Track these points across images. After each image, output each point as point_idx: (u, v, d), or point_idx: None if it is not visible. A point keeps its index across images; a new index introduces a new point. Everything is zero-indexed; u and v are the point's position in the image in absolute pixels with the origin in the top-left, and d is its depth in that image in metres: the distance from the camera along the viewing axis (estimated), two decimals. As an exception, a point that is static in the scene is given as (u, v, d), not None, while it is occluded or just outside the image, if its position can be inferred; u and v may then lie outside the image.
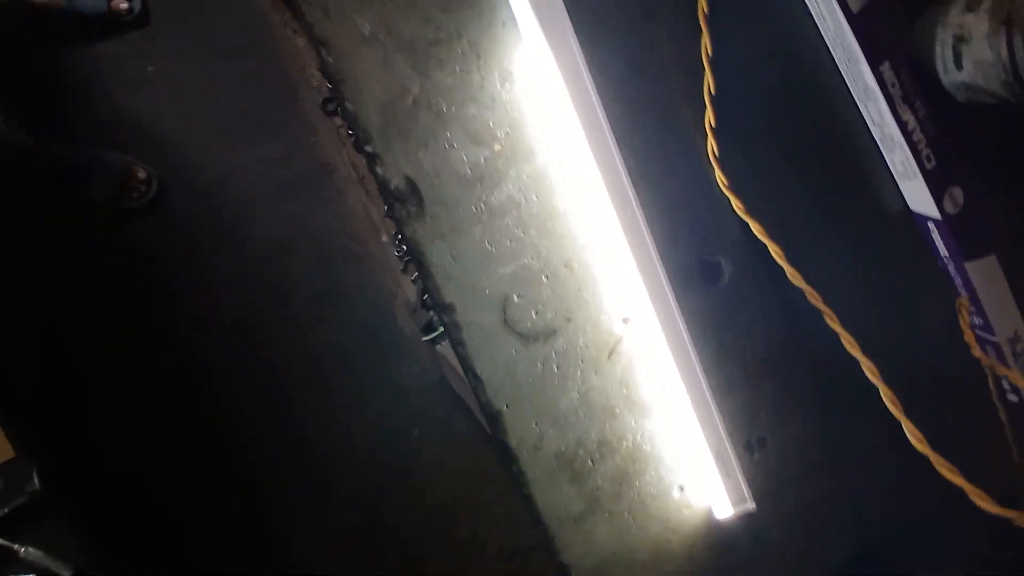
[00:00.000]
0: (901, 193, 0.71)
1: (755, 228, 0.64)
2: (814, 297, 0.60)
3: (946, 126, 0.66)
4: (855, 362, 0.57)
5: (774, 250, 0.61)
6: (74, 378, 1.26)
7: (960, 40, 0.63)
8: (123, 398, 1.29)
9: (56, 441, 1.18)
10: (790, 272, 0.61)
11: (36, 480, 0.80)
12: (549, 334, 0.58)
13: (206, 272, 1.37)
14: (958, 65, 0.64)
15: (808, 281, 0.60)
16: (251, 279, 1.39)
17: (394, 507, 1.32)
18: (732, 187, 0.64)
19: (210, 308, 1.37)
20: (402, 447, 1.35)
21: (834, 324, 0.59)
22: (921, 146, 0.66)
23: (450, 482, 1.31)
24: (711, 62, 0.60)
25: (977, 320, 0.69)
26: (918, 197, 0.70)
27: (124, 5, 1.28)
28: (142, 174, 1.31)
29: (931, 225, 0.70)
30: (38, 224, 1.27)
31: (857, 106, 0.70)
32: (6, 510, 0.78)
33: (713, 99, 0.62)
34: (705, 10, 0.63)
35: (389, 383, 1.37)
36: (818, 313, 0.59)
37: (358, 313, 1.40)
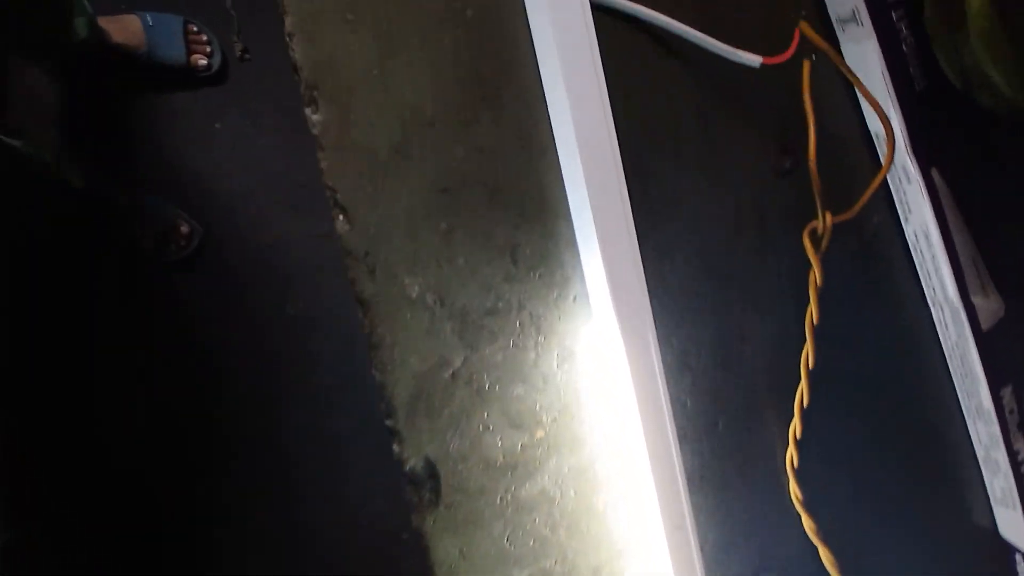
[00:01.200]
0: (993, 513, 0.61)
1: (824, 556, 0.54)
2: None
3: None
4: None
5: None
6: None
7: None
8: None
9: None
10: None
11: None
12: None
13: (228, 338, 1.31)
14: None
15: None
16: (272, 354, 1.33)
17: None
18: (806, 504, 0.55)
19: (222, 377, 1.32)
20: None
21: None
22: (1031, 482, 0.56)
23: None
24: (814, 337, 0.51)
25: None
26: (1013, 527, 0.60)
27: (203, 61, 1.24)
28: (185, 229, 1.26)
29: (1019, 558, 0.59)
30: (74, 263, 1.24)
31: (964, 418, 0.60)
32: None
33: (804, 411, 0.53)
34: (818, 282, 0.53)
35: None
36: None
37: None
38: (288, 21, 0.36)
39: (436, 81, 0.38)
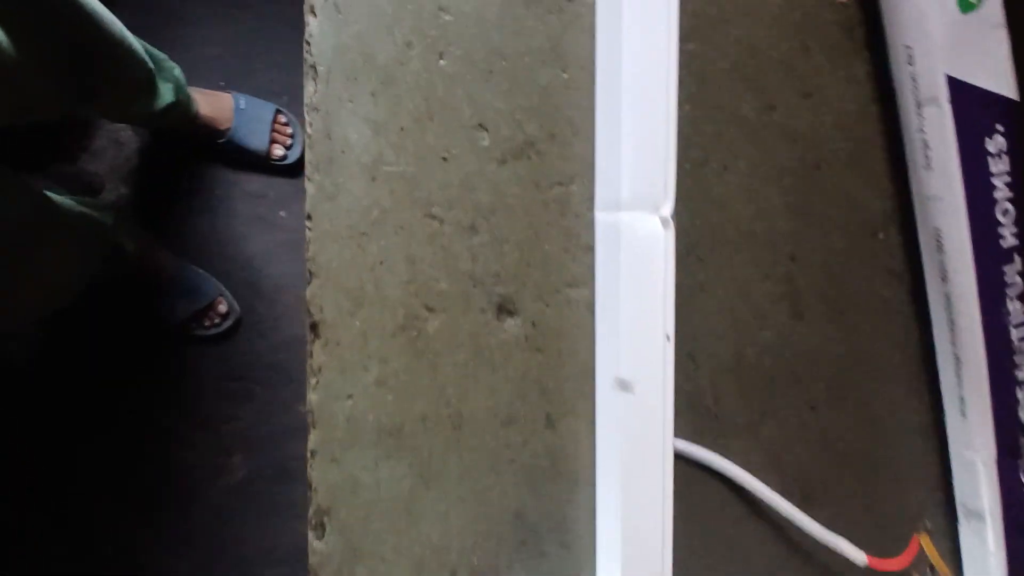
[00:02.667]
0: None
1: None
2: None
3: None
4: None
5: None
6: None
7: None
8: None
9: None
10: None
11: None
12: None
13: (232, 423, 1.26)
14: None
15: None
16: (272, 445, 1.27)
17: None
18: None
19: (218, 465, 1.26)
20: None
21: None
22: None
23: None
24: None
25: None
26: None
27: (280, 152, 1.22)
28: (223, 308, 1.23)
29: None
30: (103, 319, 1.21)
31: None
32: None
33: None
34: None
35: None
36: None
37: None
38: (313, 437, 0.30)
39: (469, 526, 0.32)
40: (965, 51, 0.33)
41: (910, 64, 0.33)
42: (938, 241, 0.34)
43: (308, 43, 0.30)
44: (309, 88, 0.30)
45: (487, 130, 0.32)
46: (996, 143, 0.33)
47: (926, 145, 0.34)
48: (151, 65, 0.91)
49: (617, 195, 0.30)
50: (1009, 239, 0.34)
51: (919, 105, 0.33)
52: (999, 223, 0.34)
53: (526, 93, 0.32)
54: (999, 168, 0.33)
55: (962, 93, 0.33)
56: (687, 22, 0.33)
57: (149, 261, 1.16)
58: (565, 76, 0.32)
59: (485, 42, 0.32)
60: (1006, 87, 0.33)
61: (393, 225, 0.31)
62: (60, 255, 0.83)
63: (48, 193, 0.86)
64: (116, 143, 1.25)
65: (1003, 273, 0.34)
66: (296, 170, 1.25)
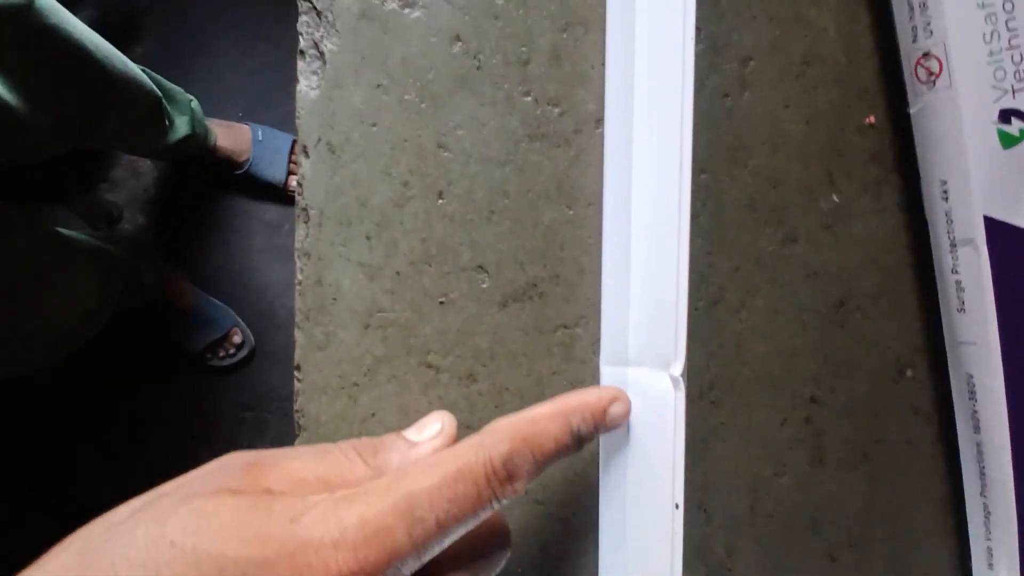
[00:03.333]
0: None
1: None
2: None
3: None
4: None
5: None
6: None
7: None
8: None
9: None
10: None
11: None
12: None
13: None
14: None
15: None
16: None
17: None
18: None
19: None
20: None
21: None
22: None
23: None
24: None
25: None
26: None
27: (296, 183, 1.21)
28: (238, 338, 1.23)
29: None
30: (117, 346, 1.22)
31: None
32: None
33: None
34: None
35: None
36: None
37: None
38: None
39: None
40: (1006, 189, 0.30)
41: (945, 200, 0.31)
42: (971, 389, 0.32)
43: (300, 185, 0.29)
44: (300, 232, 0.29)
45: (487, 272, 0.30)
46: (1037, 284, 0.31)
47: (959, 287, 0.31)
48: (158, 94, 0.91)
49: (624, 350, 0.28)
50: (1048, 384, 0.31)
51: (953, 245, 0.31)
52: (1038, 370, 0.31)
53: (529, 232, 0.30)
54: (1039, 311, 0.31)
55: (1001, 235, 0.30)
56: (701, 152, 0.31)
57: (167, 292, 1.16)
58: (571, 213, 0.30)
59: (487, 180, 0.30)
60: (1049, 223, 0.31)
61: (386, 375, 0.30)
62: (75, 294, 0.83)
63: (64, 231, 0.86)
64: (135, 173, 1.25)
65: (1041, 424, 0.31)
66: (313, 201, 1.25)
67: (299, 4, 0.28)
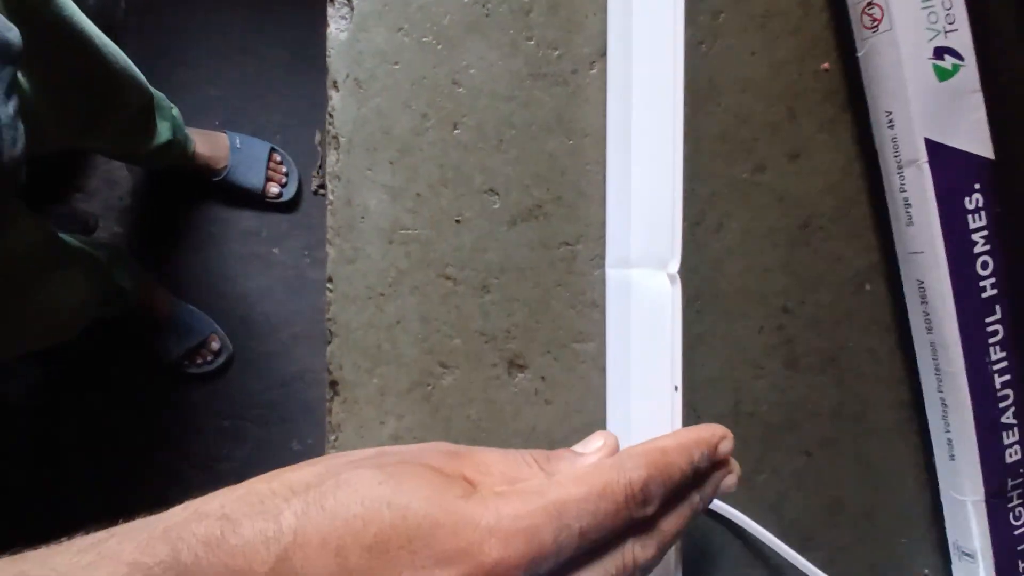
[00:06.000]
0: None
1: None
2: None
3: None
4: None
5: None
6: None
7: None
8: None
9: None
10: None
11: None
12: None
13: (228, 466, 1.26)
14: None
15: None
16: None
17: None
18: None
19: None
20: None
21: None
22: None
23: None
24: None
25: None
26: None
27: (275, 190, 1.24)
28: (216, 345, 1.23)
29: None
30: (95, 354, 1.21)
31: None
32: None
33: None
34: None
35: None
36: None
37: None
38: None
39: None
40: (943, 115, 0.35)
41: (891, 128, 0.36)
42: (922, 293, 0.36)
43: (331, 115, 0.32)
44: (331, 157, 0.32)
45: (498, 194, 0.34)
46: (974, 201, 0.36)
47: (907, 203, 0.36)
48: (151, 93, 0.93)
49: (627, 253, 0.32)
50: (989, 290, 0.36)
51: (900, 167, 0.36)
52: (979, 276, 0.36)
53: (534, 160, 0.34)
54: (977, 224, 0.36)
55: (940, 155, 0.35)
56: (682, 92, 0.35)
57: (145, 299, 1.16)
58: (570, 143, 0.34)
59: (495, 113, 0.34)
60: (982, 148, 0.35)
61: (409, 286, 0.33)
62: (66, 288, 0.84)
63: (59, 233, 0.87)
64: (109, 183, 1.26)
65: (985, 322, 0.36)
66: (291, 207, 1.27)
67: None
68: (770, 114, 0.37)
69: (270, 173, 1.23)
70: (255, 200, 1.24)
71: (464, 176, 0.33)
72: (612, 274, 0.33)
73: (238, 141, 1.21)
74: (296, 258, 1.28)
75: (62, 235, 0.90)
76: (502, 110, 0.34)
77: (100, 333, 1.16)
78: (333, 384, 0.33)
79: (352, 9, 0.32)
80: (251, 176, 1.22)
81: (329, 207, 0.32)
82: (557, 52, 0.34)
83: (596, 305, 0.34)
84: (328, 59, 0.32)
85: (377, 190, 0.32)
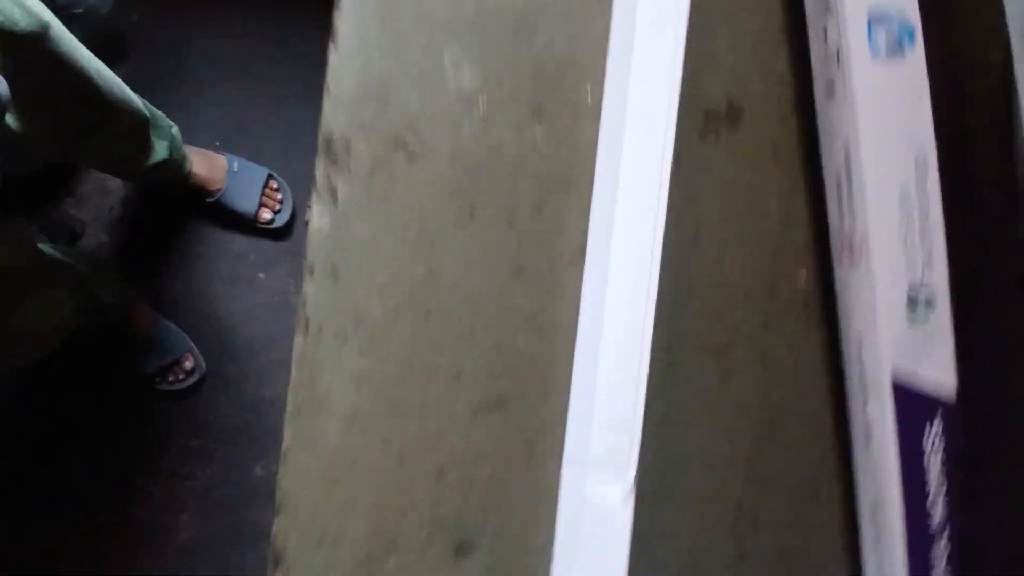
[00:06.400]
0: None
1: None
2: None
3: None
4: None
5: None
6: None
7: None
8: None
9: None
10: None
11: None
12: None
13: (189, 485, 1.25)
14: None
15: None
16: (220, 505, 1.25)
17: None
18: None
19: (168, 522, 1.25)
20: None
21: None
22: None
23: None
24: None
25: None
26: None
27: (268, 216, 1.23)
28: (189, 363, 1.23)
29: None
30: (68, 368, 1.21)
31: None
32: None
33: None
34: None
35: None
36: None
37: None
38: None
39: None
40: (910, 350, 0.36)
41: (859, 359, 0.36)
42: (874, 511, 0.37)
43: (304, 303, 0.32)
44: (299, 341, 0.32)
45: (464, 385, 0.34)
46: (931, 436, 0.36)
47: (869, 430, 0.36)
48: (146, 116, 0.93)
49: (584, 456, 0.32)
50: (936, 519, 0.37)
51: (866, 398, 0.36)
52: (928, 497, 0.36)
53: (504, 353, 0.34)
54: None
55: (904, 392, 0.36)
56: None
57: (125, 313, 1.15)
58: (542, 341, 0.35)
59: (469, 306, 0.34)
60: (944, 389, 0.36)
61: (365, 470, 0.33)
62: (49, 307, 0.84)
63: (41, 245, 0.87)
64: (102, 191, 1.25)
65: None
66: (281, 234, 1.27)
67: (319, 150, 0.32)
68: (746, 322, 0.37)
69: (264, 199, 1.23)
70: (246, 224, 1.24)
71: (432, 365, 0.34)
72: (568, 472, 0.33)
73: (236, 165, 1.20)
74: (282, 284, 1.28)
75: (46, 249, 0.89)
76: (476, 303, 0.34)
77: (73, 344, 1.15)
78: (276, 559, 0.33)
79: (336, 201, 0.32)
80: (244, 201, 1.21)
81: (291, 388, 0.32)
82: (538, 252, 0.35)
83: (554, 499, 0.35)
84: (307, 245, 0.32)
85: (342, 376, 0.33)
